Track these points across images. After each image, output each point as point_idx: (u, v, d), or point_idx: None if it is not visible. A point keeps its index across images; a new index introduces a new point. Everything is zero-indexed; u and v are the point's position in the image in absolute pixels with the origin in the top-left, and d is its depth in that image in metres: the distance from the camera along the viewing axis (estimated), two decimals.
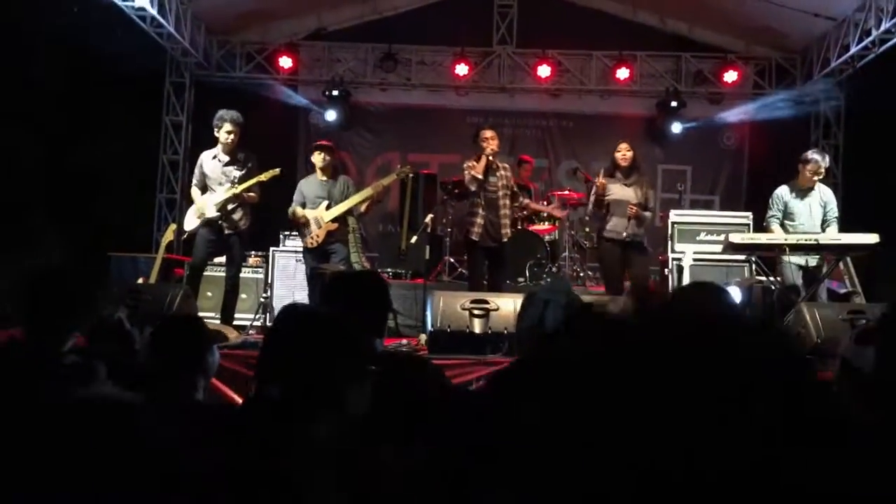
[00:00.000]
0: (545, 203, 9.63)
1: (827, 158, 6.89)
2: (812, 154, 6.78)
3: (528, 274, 8.90)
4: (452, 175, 8.99)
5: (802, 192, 6.77)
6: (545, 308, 2.03)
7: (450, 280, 9.12)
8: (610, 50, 10.73)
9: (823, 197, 6.82)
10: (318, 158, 7.06)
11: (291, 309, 2.50)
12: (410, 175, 8.04)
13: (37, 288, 2.57)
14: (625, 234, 6.70)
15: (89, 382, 2.40)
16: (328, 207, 6.93)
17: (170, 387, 2.48)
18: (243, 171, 6.73)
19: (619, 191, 6.81)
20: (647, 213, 6.87)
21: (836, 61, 9.64)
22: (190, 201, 7.05)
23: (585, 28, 10.88)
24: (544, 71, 10.59)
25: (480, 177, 6.73)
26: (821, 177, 6.73)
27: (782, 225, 6.80)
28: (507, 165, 7.13)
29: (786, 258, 6.48)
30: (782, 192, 6.84)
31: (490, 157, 6.75)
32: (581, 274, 9.35)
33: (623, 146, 6.92)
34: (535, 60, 10.66)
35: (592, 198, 6.97)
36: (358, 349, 1.99)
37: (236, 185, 6.67)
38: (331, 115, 10.87)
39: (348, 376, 1.91)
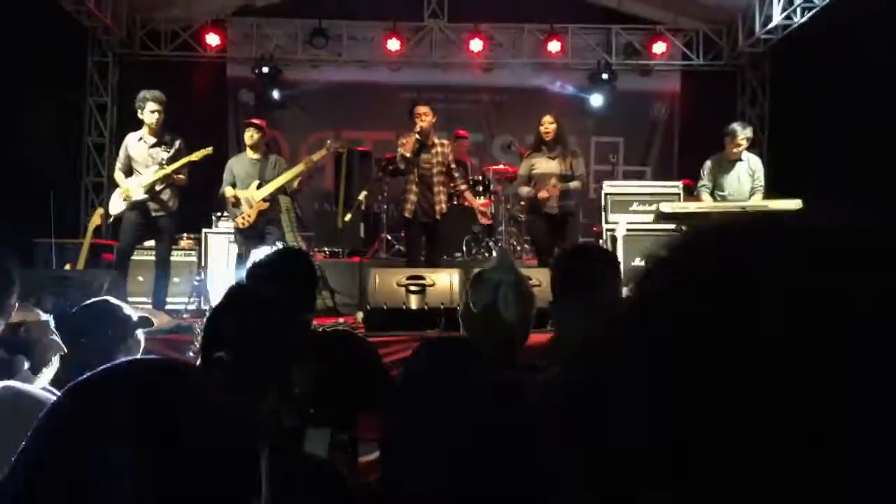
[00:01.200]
0: (479, 178, 9.58)
1: (749, 129, 7.15)
2: (733, 126, 7.07)
3: (464, 248, 8.92)
4: (386, 152, 8.92)
5: (730, 162, 7.03)
6: (497, 290, 2.01)
7: (387, 257, 9.08)
8: (541, 23, 10.76)
9: (752, 166, 7.06)
10: (248, 137, 6.96)
11: (238, 289, 2.45)
12: (341, 150, 7.95)
13: None
14: (555, 210, 6.78)
15: (9, 377, 2.31)
16: (259, 187, 6.83)
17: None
18: (170, 153, 6.58)
19: (544, 164, 6.86)
20: (575, 183, 6.92)
21: (760, 31, 9.84)
22: (116, 185, 6.86)
23: (516, 1, 10.87)
24: (476, 45, 10.57)
25: (409, 155, 6.69)
26: (742, 147, 6.96)
27: (712, 194, 7.01)
28: (444, 142, 7.06)
29: None
30: (711, 162, 7.09)
31: (420, 135, 6.70)
32: (518, 247, 9.40)
33: (546, 119, 6.95)
34: (466, 34, 10.63)
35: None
36: (304, 328, 1.97)
37: (165, 167, 6.52)
38: (258, 98, 10.71)
39: (295, 353, 1.89)
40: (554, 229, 6.85)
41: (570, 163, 6.90)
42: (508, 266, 2.11)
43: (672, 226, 7.37)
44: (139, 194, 6.52)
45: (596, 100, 10.96)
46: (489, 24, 10.74)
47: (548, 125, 6.90)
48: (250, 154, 6.96)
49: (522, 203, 7.11)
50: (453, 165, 7.07)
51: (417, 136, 6.67)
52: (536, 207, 6.90)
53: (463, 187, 7.17)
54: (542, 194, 6.71)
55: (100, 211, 7.70)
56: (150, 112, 6.52)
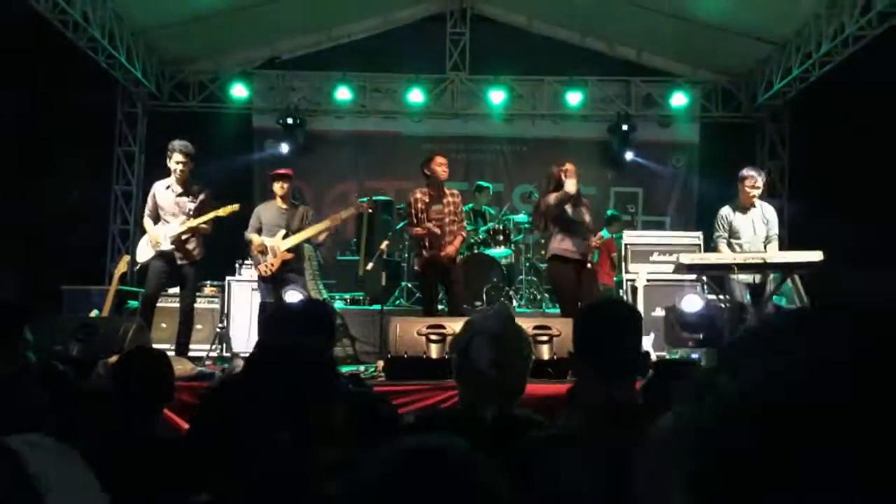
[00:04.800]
0: (500, 227, 9.62)
1: (763, 174, 7.02)
2: (747, 171, 6.92)
3: (484, 297, 8.95)
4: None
5: (744, 209, 6.92)
6: (472, 338, 2.04)
7: (408, 306, 9.13)
8: (561, 75, 10.93)
9: (766, 214, 6.97)
10: (277, 187, 7.06)
11: (270, 346, 2.47)
12: (371, 210, 8.06)
13: None
14: (580, 255, 6.72)
15: None
16: (285, 237, 6.92)
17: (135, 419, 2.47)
18: (196, 203, 6.69)
19: (573, 212, 6.80)
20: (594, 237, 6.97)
21: (778, 84, 9.92)
22: (143, 232, 6.98)
23: (536, 54, 11.07)
24: (497, 96, 10.74)
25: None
26: (758, 191, 6.87)
27: (728, 244, 6.95)
28: (455, 192, 7.12)
29: (733, 276, 6.62)
30: (726, 211, 6.99)
31: (428, 191, 6.83)
32: (538, 297, 9.42)
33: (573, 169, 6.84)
34: (487, 86, 10.81)
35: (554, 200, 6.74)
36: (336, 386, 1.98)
37: (192, 218, 6.63)
38: (284, 148, 10.94)
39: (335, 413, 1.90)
40: (577, 277, 6.77)
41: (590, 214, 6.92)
42: (495, 318, 2.13)
43: (692, 276, 7.37)
44: (166, 245, 6.63)
45: (621, 155, 11.07)
46: (510, 76, 10.92)
47: (575, 175, 6.78)
48: (280, 203, 7.06)
49: (543, 252, 7.08)
50: (461, 217, 7.13)
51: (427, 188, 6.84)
52: (562, 255, 6.76)
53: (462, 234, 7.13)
54: (595, 242, 6.74)
55: (126, 258, 7.80)
56: (175, 162, 6.66)
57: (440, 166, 6.82)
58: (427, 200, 6.81)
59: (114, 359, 2.84)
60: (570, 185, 6.61)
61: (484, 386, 2.03)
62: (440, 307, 7.16)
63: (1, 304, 2.65)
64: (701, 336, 7.34)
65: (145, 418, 2.56)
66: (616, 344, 2.17)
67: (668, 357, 6.45)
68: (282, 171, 7.32)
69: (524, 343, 2.16)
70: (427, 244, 6.81)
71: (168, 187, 6.77)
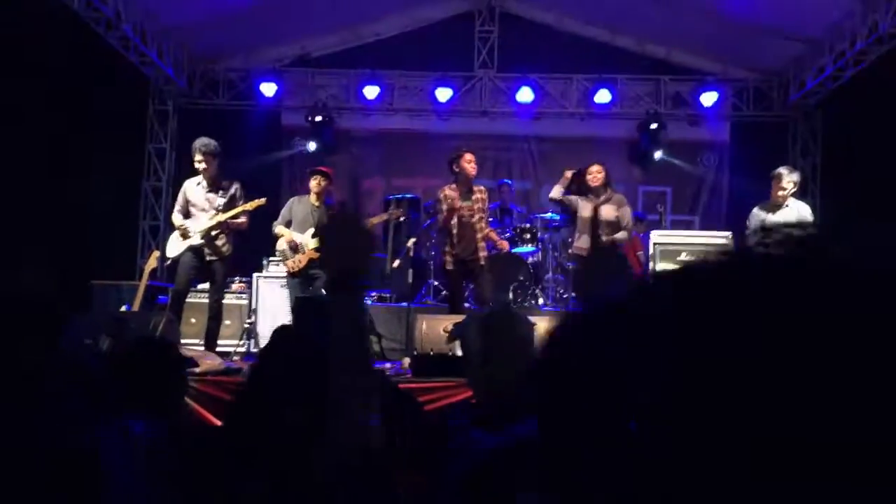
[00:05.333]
0: (527, 226, 9.64)
1: (796, 174, 7.00)
2: (780, 169, 6.93)
3: (511, 296, 8.94)
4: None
5: (777, 208, 6.89)
6: (463, 331, 2.08)
7: (434, 303, 9.13)
8: (589, 73, 10.87)
9: (800, 212, 6.93)
10: (314, 184, 7.16)
11: (285, 332, 2.48)
12: (403, 218, 8.10)
13: None
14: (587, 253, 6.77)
15: None
16: (314, 235, 6.97)
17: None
18: (226, 199, 6.76)
19: (589, 210, 6.84)
20: (622, 234, 6.92)
21: (811, 83, 9.79)
22: (173, 227, 7.06)
23: (565, 52, 11.01)
24: (525, 95, 10.70)
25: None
26: (788, 191, 6.83)
27: None
28: (482, 188, 7.14)
29: None
30: (758, 210, 6.97)
31: (456, 187, 6.82)
32: (566, 296, 9.38)
33: (594, 168, 6.96)
34: (515, 84, 10.78)
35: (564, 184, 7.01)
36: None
37: (220, 213, 6.69)
38: (312, 146, 10.97)
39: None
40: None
41: (620, 212, 6.90)
42: (497, 307, 2.19)
43: None
44: (196, 239, 6.70)
45: (650, 154, 10.95)
46: (538, 74, 10.88)
47: (595, 174, 6.90)
48: (313, 200, 7.14)
49: (570, 251, 7.11)
50: (488, 214, 7.18)
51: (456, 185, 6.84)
52: (572, 251, 6.87)
53: (487, 230, 7.20)
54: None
55: (156, 254, 7.88)
56: (196, 162, 6.74)
57: (469, 163, 6.84)
58: (456, 197, 6.81)
59: None
60: (554, 191, 7.10)
61: (479, 380, 2.02)
62: (466, 305, 7.17)
63: (38, 296, 2.67)
64: None
65: (161, 409, 2.57)
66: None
67: None
68: (322, 168, 7.39)
69: (520, 325, 2.06)
70: (455, 235, 6.80)
71: (199, 184, 6.84)
